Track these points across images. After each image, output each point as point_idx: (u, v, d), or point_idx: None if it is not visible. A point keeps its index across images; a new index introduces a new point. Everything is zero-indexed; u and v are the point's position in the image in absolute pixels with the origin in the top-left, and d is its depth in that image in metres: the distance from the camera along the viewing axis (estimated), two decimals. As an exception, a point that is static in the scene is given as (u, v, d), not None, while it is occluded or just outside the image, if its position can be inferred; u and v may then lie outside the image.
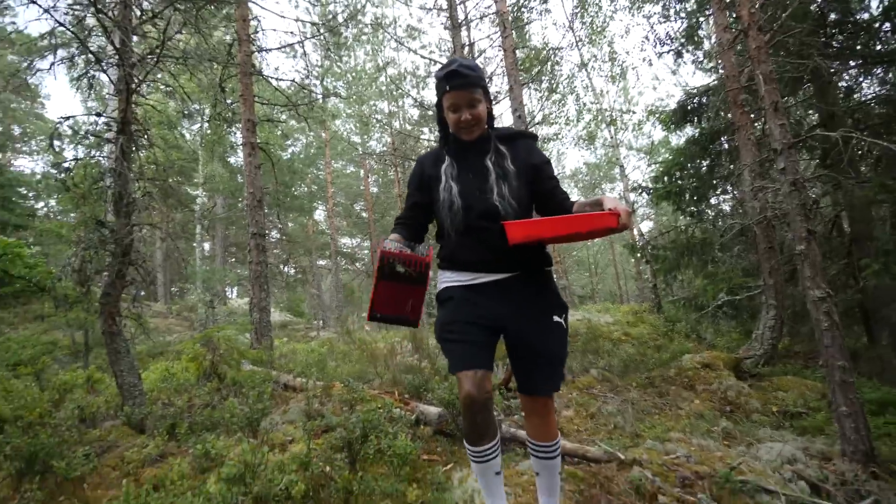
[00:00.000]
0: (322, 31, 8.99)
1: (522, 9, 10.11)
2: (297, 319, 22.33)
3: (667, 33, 9.96)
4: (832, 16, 7.33)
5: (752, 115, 6.16)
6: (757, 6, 3.80)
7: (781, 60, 5.65)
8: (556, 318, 1.63)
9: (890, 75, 7.30)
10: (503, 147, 1.70)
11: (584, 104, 13.88)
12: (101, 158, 4.25)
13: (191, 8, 5.40)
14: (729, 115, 7.42)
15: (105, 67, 4.50)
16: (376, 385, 4.81)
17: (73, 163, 4.12)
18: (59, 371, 6.59)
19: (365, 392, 4.18)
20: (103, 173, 4.09)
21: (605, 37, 12.24)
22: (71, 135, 5.14)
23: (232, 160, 18.69)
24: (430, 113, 16.96)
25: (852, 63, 7.67)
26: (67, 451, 3.08)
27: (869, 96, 7.77)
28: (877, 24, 7.14)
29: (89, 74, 4.52)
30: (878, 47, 7.30)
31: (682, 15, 9.79)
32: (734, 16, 5.13)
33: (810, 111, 8.88)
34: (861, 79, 8.09)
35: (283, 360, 6.42)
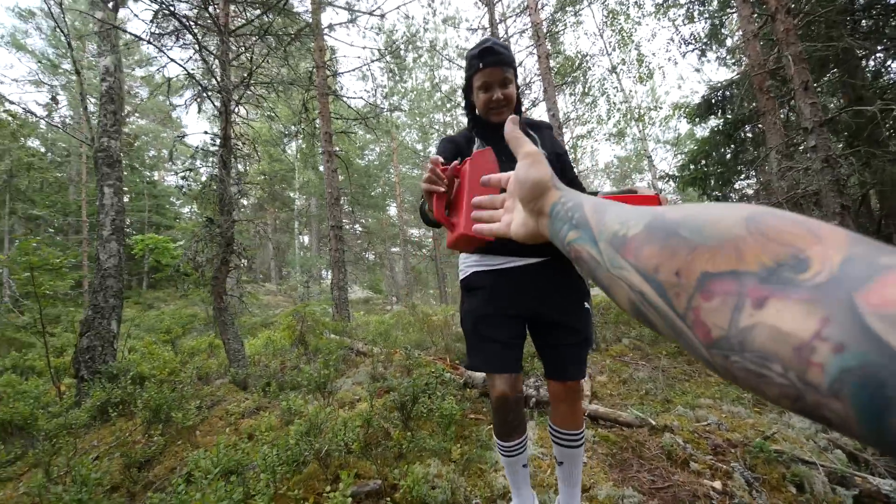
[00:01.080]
0: (386, 55, 8.84)
1: (557, 22, 9.45)
2: (377, 296, 22.84)
3: (691, 34, 9.01)
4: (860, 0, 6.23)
5: (778, 101, 5.35)
6: (788, -12, 3.17)
7: (810, 44, 4.82)
8: (585, 304, 1.37)
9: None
10: (532, 133, 1.43)
11: (615, 104, 12.90)
12: (203, 169, 4.32)
13: (278, 43, 5.39)
14: (753, 104, 6.55)
15: (209, 95, 4.58)
16: (432, 352, 4.66)
17: (186, 172, 4.21)
18: (196, 337, 7.00)
19: (421, 358, 4.04)
20: (209, 180, 4.16)
21: (633, 41, 11.23)
22: (194, 150, 5.31)
23: (322, 168, 19.22)
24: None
25: (880, 47, 6.52)
26: (185, 404, 3.16)
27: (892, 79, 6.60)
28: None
29: (197, 100, 4.61)
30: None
31: (706, 15, 8.78)
32: (761, 5, 4.41)
33: (832, 97, 7.72)
34: (890, 61, 6.89)
35: (358, 330, 6.43)
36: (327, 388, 3.03)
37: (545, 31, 6.54)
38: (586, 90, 11.88)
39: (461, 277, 1.42)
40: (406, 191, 25.00)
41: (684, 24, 8.85)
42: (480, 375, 3.72)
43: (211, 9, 4.37)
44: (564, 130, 12.51)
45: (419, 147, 22.07)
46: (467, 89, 1.39)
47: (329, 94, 6.92)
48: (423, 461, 2.25)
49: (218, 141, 4.29)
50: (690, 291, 0.26)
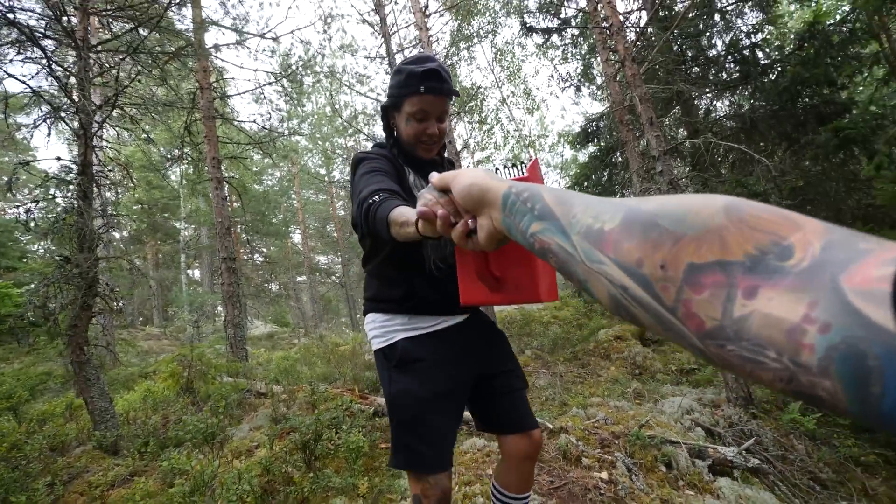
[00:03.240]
0: (281, 79, 8.58)
1: (451, 56, 10.07)
2: (282, 329, 21.30)
3: (567, 72, 10.21)
4: (689, 52, 7.68)
5: (635, 132, 6.32)
6: (629, 42, 3.82)
7: (653, 87, 5.80)
8: (510, 348, 1.28)
9: (736, 97, 7.71)
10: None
11: (508, 132, 14.04)
12: (59, 199, 3.74)
13: (151, 61, 4.94)
14: (618, 134, 7.62)
15: (64, 116, 4.01)
16: (339, 384, 4.49)
17: (32, 205, 3.60)
18: (51, 399, 5.81)
19: (328, 391, 3.87)
20: (63, 212, 3.60)
21: (519, 77, 12.41)
22: (41, 179, 4.57)
23: (212, 195, 17.69)
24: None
25: (707, 89, 8.06)
26: (32, 483, 2.62)
27: (722, 114, 8.20)
28: (722, 59, 7.54)
29: (48, 122, 3.99)
30: (725, 76, 7.72)
31: (577, 57, 10.05)
32: (614, 52, 5.22)
33: (680, 129, 9.31)
34: (715, 101, 8.55)
35: (259, 370, 5.94)
36: (216, 438, 2.75)
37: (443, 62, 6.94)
38: (483, 118, 12.76)
39: (382, 345, 1.11)
40: (310, 216, 24.09)
41: (561, 63, 10.00)
42: (391, 402, 3.67)
43: (69, 20, 3.88)
44: (465, 155, 13.19)
45: (322, 171, 21.52)
46: (391, 107, 1.13)
47: (217, 118, 6.47)
48: (328, 502, 2.14)
49: (75, 168, 3.76)
50: (678, 284, 0.26)
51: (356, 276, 22.48)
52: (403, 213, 0.70)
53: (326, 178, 20.93)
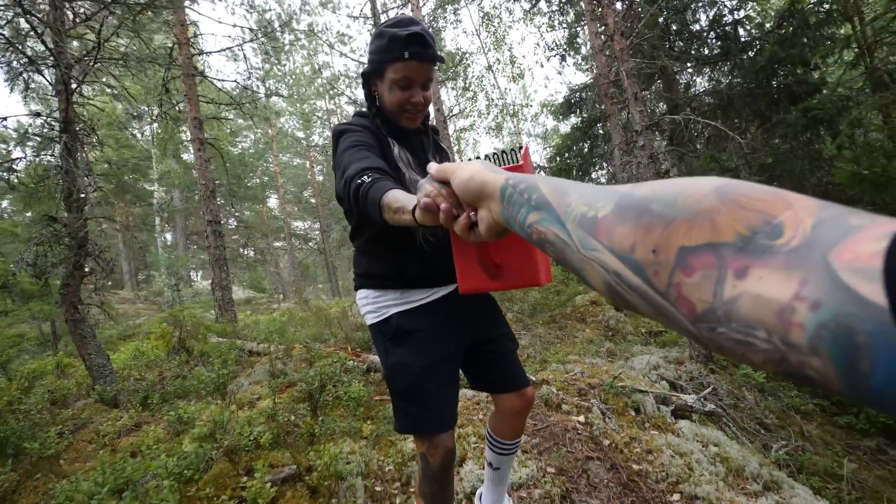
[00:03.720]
0: (259, 36, 8.23)
1: (438, 18, 9.83)
2: (259, 295, 21.21)
3: (553, 40, 10.13)
4: (674, 26, 7.77)
5: (619, 106, 6.46)
6: (620, 17, 3.90)
7: (639, 61, 5.93)
8: (500, 311, 1.30)
9: (715, 73, 7.91)
10: (439, 142, 1.28)
11: (492, 100, 13.95)
12: (49, 158, 3.65)
13: (126, 13, 4.71)
14: (602, 106, 7.76)
15: (41, 69, 3.84)
16: (331, 343, 4.67)
17: (16, 162, 3.51)
18: (28, 360, 5.80)
19: (322, 350, 4.05)
20: (48, 171, 3.53)
21: (506, 43, 12.24)
22: (17, 136, 4.41)
23: (185, 156, 17.02)
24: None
25: (689, 65, 8.22)
26: (40, 433, 2.73)
27: (701, 90, 8.41)
28: (705, 34, 7.68)
29: (24, 75, 3.82)
30: (706, 52, 7.88)
31: (564, 25, 9.96)
32: (603, 25, 5.28)
33: (660, 103, 9.50)
34: (695, 76, 8.73)
35: (246, 331, 6.06)
36: (227, 388, 2.91)
37: (427, 26, 6.81)
38: (467, 85, 12.61)
39: (376, 320, 1.13)
40: (288, 181, 23.52)
41: (547, 31, 9.91)
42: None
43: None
44: (448, 123, 13.09)
45: (300, 135, 20.91)
46: (373, 74, 1.08)
47: (196, 75, 6.24)
48: (336, 442, 2.36)
49: (57, 126, 3.66)
50: (670, 268, 0.26)
51: (335, 242, 22.38)
52: (398, 199, 0.69)
53: (305, 142, 20.38)
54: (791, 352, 0.20)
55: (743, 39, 7.23)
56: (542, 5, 9.73)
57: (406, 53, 0.98)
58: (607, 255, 0.30)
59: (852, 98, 5.56)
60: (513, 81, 12.84)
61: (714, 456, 2.27)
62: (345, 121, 1.12)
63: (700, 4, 7.67)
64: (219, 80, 7.10)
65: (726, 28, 7.27)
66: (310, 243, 25.91)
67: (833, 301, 0.18)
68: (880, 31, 6.38)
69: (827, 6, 6.26)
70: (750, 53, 7.01)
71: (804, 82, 6.24)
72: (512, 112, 15.76)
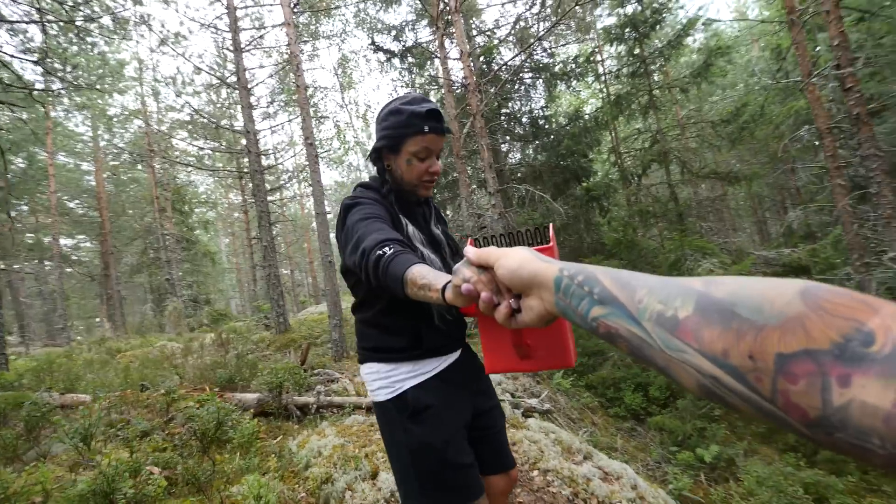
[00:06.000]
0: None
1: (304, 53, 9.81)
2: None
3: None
4: (503, 109, 9.78)
5: (469, 166, 7.76)
6: (483, 104, 4.98)
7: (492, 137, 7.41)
8: (490, 380, 1.29)
9: (528, 151, 10.21)
10: (441, 213, 1.30)
11: (345, 139, 14.29)
12: None
13: None
14: (452, 160, 9.06)
15: None
16: (181, 384, 4.16)
17: None
18: None
19: (177, 391, 3.62)
20: None
21: (358, 87, 12.87)
22: None
23: None
24: (187, 118, 14.36)
25: (508, 138, 10.38)
26: None
27: (514, 161, 10.64)
28: (518, 117, 9.93)
29: None
30: (518, 131, 10.15)
31: (418, 85, 11.11)
32: (466, 105, 6.43)
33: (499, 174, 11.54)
34: (513, 151, 10.98)
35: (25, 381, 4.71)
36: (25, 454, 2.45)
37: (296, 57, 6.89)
38: (321, 116, 12.65)
39: (390, 396, 1.08)
40: (61, 188, 18.47)
41: (402, 87, 10.89)
42: (252, 397, 3.71)
43: None
44: (301, 148, 12.82)
45: (85, 133, 16.92)
46: (386, 149, 1.10)
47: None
48: (239, 480, 2.33)
49: None
50: (772, 375, 0.26)
51: (128, 269, 18.30)
52: (424, 276, 0.69)
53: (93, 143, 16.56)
54: None
55: (546, 128, 9.64)
56: (396, 62, 10.71)
57: (426, 127, 1.05)
58: (699, 358, 0.30)
59: (612, 185, 8.08)
60: (366, 124, 13.50)
61: (554, 441, 3.11)
62: (352, 193, 1.14)
63: (517, 95, 9.87)
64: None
65: (536, 118, 9.58)
66: (75, 267, 20.39)
67: None
68: (623, 140, 9.46)
69: (597, 118, 8.98)
70: (552, 137, 9.40)
71: (585, 168, 8.69)
72: (365, 153, 16.36)
